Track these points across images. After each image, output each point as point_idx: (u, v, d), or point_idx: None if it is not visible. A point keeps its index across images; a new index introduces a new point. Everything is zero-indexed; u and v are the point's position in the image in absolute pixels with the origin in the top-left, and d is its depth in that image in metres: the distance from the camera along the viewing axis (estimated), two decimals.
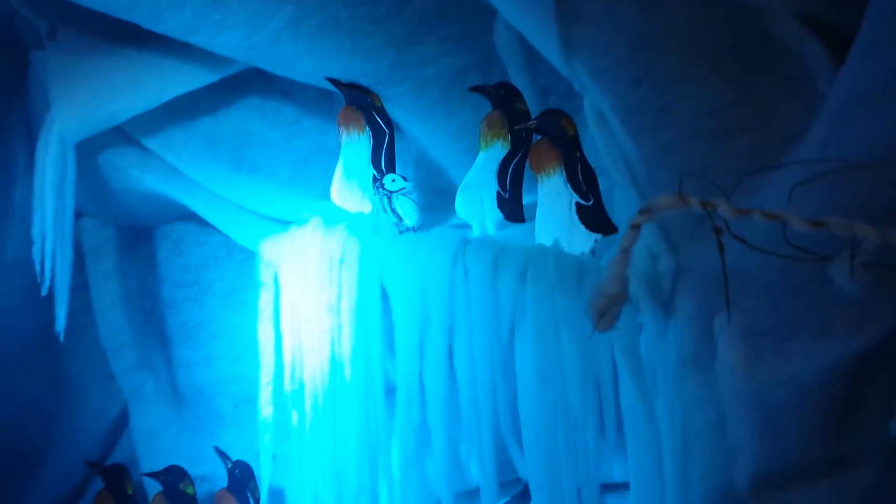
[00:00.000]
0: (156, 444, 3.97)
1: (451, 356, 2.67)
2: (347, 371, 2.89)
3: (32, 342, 4.09)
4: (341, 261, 2.97)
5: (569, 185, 2.92)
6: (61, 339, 3.51)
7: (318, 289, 3.03)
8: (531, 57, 3.21)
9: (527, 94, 3.32)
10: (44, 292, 3.42)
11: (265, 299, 3.40)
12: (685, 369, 2.53)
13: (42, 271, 3.40)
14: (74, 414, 4.20)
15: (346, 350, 2.91)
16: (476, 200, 3.15)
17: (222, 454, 3.71)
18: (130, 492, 3.88)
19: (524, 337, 2.60)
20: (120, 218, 3.91)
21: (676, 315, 2.62)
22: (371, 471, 2.78)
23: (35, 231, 3.40)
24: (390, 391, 2.92)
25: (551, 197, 2.92)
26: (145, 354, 3.96)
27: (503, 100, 3.21)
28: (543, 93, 3.37)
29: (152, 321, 3.97)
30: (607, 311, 1.41)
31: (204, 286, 3.91)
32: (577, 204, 2.90)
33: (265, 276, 3.42)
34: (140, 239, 3.99)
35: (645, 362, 2.64)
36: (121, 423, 4.16)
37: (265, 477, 3.37)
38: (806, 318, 2.42)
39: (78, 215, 4.02)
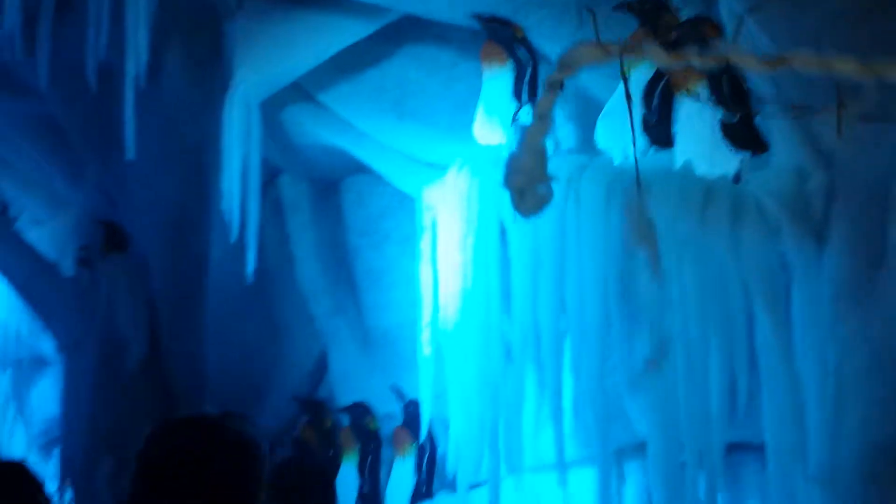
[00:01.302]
0: (350, 384, 4.24)
1: None
2: (468, 309, 2.83)
3: (252, 288, 4.56)
4: (468, 198, 2.91)
5: (713, 100, 2.57)
6: (250, 280, 3.83)
7: (453, 228, 3.01)
8: None
9: (689, 8, 2.97)
10: (232, 239, 3.77)
11: (425, 243, 3.44)
12: (842, 304, 2.15)
13: (230, 221, 3.74)
14: (286, 353, 4.62)
15: (468, 287, 2.85)
16: (618, 128, 2.89)
17: (398, 392, 3.86)
18: (329, 425, 4.19)
19: (640, 270, 2.35)
20: (309, 172, 4.20)
21: (830, 241, 2.22)
22: (492, 408, 2.71)
23: (224, 185, 3.75)
24: None
25: (693, 115, 2.60)
26: (339, 300, 4.24)
27: (649, 14, 2.89)
28: (708, 2, 2.99)
29: (342, 268, 4.22)
30: (527, 192, 1.22)
31: (383, 235, 4.07)
32: (722, 121, 2.54)
33: (426, 220, 3.46)
34: (329, 192, 4.25)
35: (788, 298, 2.27)
36: (323, 362, 4.49)
37: (425, 414, 3.43)
38: None
39: (277, 173, 4.41)
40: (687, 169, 2.47)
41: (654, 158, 2.72)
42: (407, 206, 3.96)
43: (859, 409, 2.02)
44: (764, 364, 2.20)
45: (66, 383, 5.55)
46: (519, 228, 2.62)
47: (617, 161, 2.90)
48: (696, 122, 2.58)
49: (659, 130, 2.86)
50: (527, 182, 1.21)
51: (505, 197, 2.77)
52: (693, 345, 2.26)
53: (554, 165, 2.80)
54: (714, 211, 2.30)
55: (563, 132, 3.31)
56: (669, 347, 2.09)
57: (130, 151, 3.94)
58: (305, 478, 2.07)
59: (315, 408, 4.22)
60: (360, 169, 4.07)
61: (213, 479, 1.36)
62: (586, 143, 3.39)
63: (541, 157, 1.23)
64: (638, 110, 2.89)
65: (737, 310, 2.25)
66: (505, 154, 3.03)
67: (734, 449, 2.68)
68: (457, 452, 2.97)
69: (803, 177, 2.28)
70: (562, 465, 2.47)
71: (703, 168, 2.50)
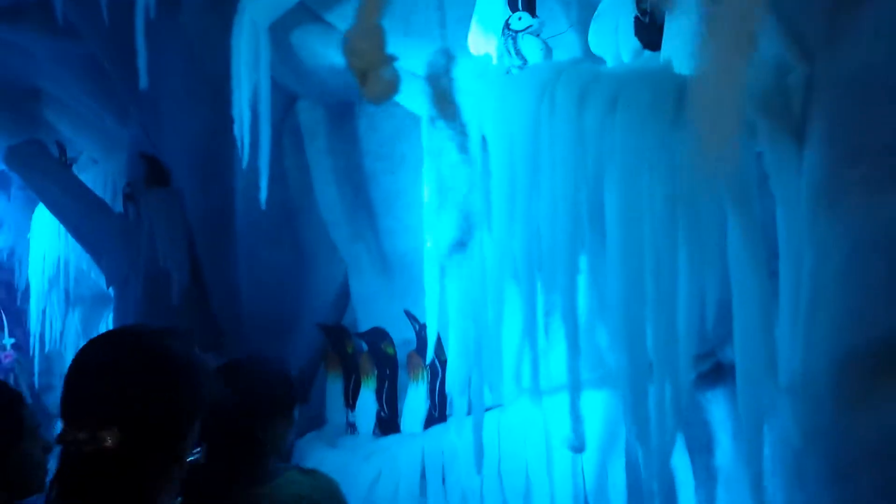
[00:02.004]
0: (371, 310, 4.24)
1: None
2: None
3: (277, 217, 4.59)
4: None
5: None
6: (263, 206, 3.83)
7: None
8: None
9: None
10: (244, 166, 3.77)
11: (427, 164, 3.35)
12: (819, 204, 1.98)
13: (242, 147, 3.74)
14: (313, 281, 4.66)
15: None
16: (610, 30, 2.71)
17: (411, 317, 3.84)
18: (350, 350, 4.23)
19: (611, 177, 2.21)
20: (324, 97, 4.14)
21: (809, 139, 2.02)
22: (475, 326, 2.64)
23: (234, 111, 3.74)
24: None
25: (679, 11, 2.40)
26: (357, 226, 4.21)
27: None
28: None
29: (360, 194, 4.18)
30: (370, 76, 1.13)
31: (398, 158, 4.00)
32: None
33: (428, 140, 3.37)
34: (344, 116, 4.18)
35: (762, 202, 2.10)
36: (347, 289, 4.50)
37: (431, 338, 3.40)
38: None
39: (295, 98, 4.38)
40: (664, 68, 2.29)
41: (646, 60, 2.54)
42: (421, 126, 3.87)
43: (832, 316, 1.86)
44: (734, 272, 2.05)
45: (116, 318, 5.78)
46: (497, 139, 2.50)
47: (610, 64, 2.74)
48: (682, 18, 2.39)
49: (651, 32, 2.68)
50: (365, 65, 1.13)
51: (486, 108, 2.68)
52: (662, 255, 2.12)
53: (530, 73, 2.69)
54: (686, 111, 2.12)
55: (565, 40, 3.15)
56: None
57: (143, 80, 3.98)
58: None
59: (337, 334, 4.26)
60: None
61: (126, 395, 1.31)
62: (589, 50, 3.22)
63: (377, 37, 1.14)
64: (631, 12, 2.72)
65: (708, 216, 2.10)
66: (482, 65, 2.93)
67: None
68: (452, 376, 2.93)
69: (783, 71, 2.07)
70: (536, 390, 2.39)
71: (686, 66, 2.32)
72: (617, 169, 2.20)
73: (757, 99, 2.06)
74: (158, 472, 1.34)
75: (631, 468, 3.14)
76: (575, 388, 2.28)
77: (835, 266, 1.91)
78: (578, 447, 2.34)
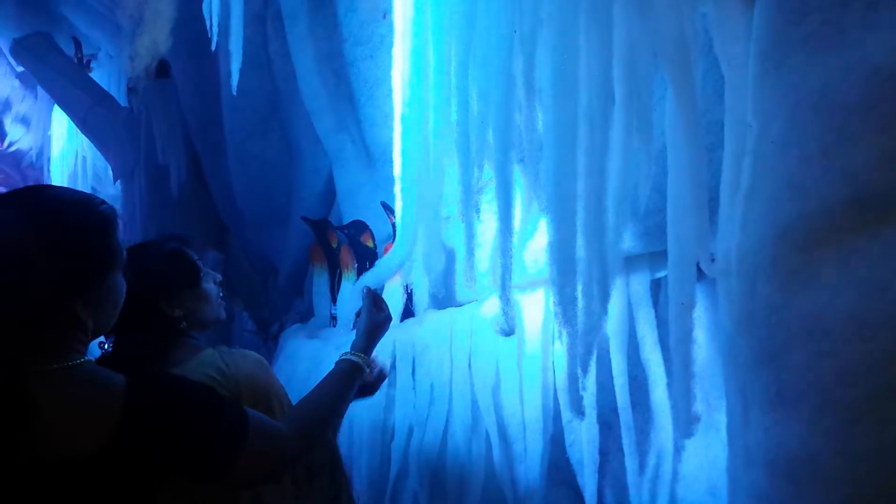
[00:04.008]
0: (355, 203, 4.12)
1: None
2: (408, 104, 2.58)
3: (263, 107, 4.46)
4: None
5: None
6: (234, 91, 3.70)
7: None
8: None
9: None
10: (212, 48, 3.62)
11: (396, 47, 3.15)
12: (766, 67, 1.77)
13: (210, 28, 3.58)
14: (300, 173, 4.55)
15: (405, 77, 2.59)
16: None
17: (388, 208, 3.72)
18: (335, 245, 4.15)
19: (547, 40, 2.01)
20: None
21: None
22: (421, 212, 2.50)
23: None
24: None
25: None
26: (341, 116, 4.05)
27: None
28: None
29: (342, 82, 4.00)
30: None
31: (377, 42, 3.78)
32: None
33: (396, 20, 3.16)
34: None
35: (708, 68, 1.89)
36: (332, 182, 4.39)
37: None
38: None
39: None
40: None
41: None
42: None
43: (770, 190, 1.67)
44: (670, 146, 1.86)
45: (123, 212, 5.79)
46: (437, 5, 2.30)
47: None
48: None
49: None
50: None
51: None
52: (595, 124, 1.93)
53: None
54: None
55: None
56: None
57: None
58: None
59: (321, 227, 4.17)
60: None
61: (9, 246, 1.29)
62: None
63: None
64: None
65: (645, 84, 1.89)
66: None
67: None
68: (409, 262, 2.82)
69: None
70: (470, 278, 2.25)
71: None
72: (553, 30, 1.99)
73: None
74: (55, 327, 1.32)
75: (602, 366, 3.03)
76: (506, 271, 2.14)
77: (776, 134, 1.72)
78: (507, 331, 2.22)
